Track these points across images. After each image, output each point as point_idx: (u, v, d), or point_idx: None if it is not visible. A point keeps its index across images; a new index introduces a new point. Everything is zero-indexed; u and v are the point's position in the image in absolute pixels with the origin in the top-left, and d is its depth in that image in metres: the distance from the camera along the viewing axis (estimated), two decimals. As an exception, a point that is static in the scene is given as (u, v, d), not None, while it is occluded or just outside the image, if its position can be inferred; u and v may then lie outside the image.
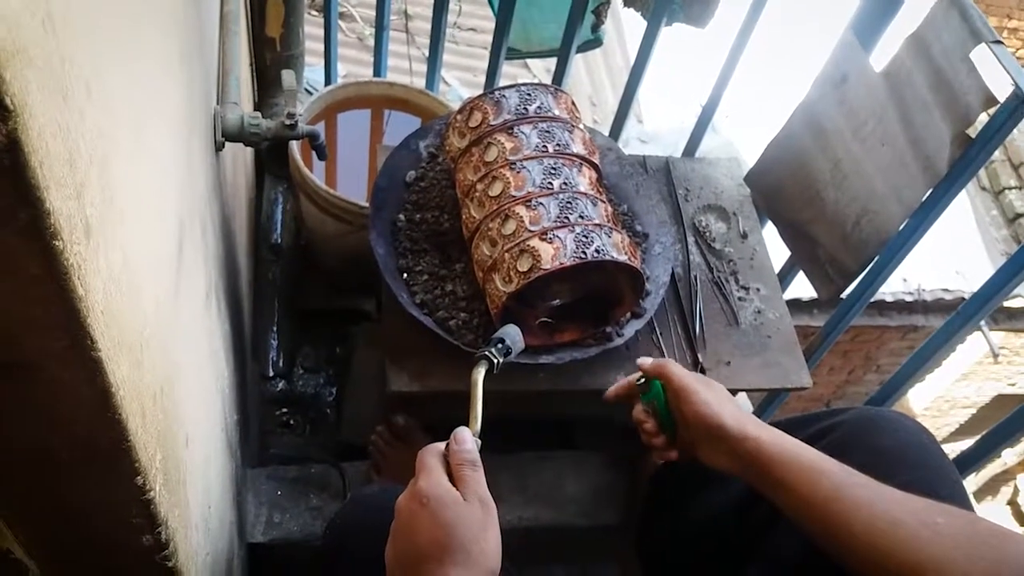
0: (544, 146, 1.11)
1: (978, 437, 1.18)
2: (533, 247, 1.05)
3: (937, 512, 0.70)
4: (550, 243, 1.04)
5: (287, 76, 0.98)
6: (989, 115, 1.03)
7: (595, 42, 1.58)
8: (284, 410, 1.51)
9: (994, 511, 6.24)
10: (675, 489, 1.16)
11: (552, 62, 1.52)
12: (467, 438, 0.72)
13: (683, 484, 1.15)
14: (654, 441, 0.97)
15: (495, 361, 0.88)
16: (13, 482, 0.48)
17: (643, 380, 0.99)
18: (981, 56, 1.02)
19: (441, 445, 0.73)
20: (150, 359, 0.52)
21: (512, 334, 0.93)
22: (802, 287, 1.54)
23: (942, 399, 4.99)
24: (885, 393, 1.32)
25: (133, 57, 0.52)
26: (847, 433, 0.96)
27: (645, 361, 0.98)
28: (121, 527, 0.53)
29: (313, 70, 2.06)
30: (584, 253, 1.04)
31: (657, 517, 1.16)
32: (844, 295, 1.32)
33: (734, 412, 0.86)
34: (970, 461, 1.15)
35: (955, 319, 1.13)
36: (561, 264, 1.03)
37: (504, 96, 1.13)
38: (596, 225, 1.07)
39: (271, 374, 1.51)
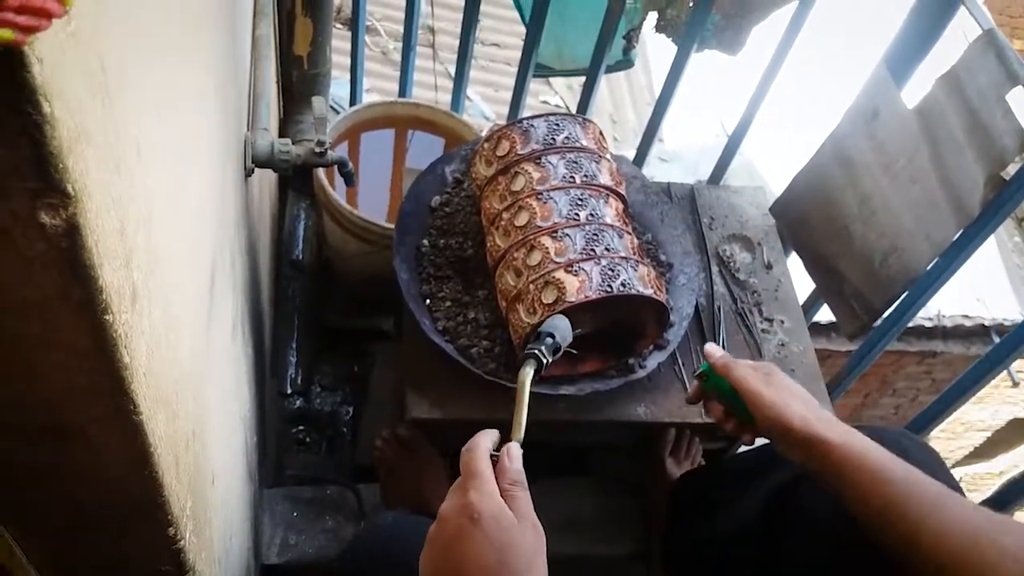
0: (571, 177, 1.11)
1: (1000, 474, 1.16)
2: (558, 279, 1.04)
3: (1004, 529, 0.69)
4: (575, 275, 1.04)
5: (318, 103, 0.98)
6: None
7: (626, 63, 1.58)
8: (301, 428, 1.50)
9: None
10: (698, 498, 1.15)
11: (574, 79, 1.52)
12: (518, 456, 0.66)
13: (706, 493, 1.14)
14: (725, 426, 0.93)
15: (544, 361, 0.81)
16: (49, 533, 0.48)
17: (700, 372, 0.95)
18: (1018, 98, 1.01)
19: (488, 444, 0.66)
20: (184, 407, 0.52)
21: (562, 328, 0.85)
22: (820, 310, 1.52)
23: (957, 421, 4.94)
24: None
25: (178, 102, 0.52)
26: None
27: (712, 353, 0.94)
28: (151, 575, 0.53)
29: (337, 83, 2.06)
30: (610, 287, 1.03)
31: (683, 528, 1.15)
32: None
33: (800, 412, 0.82)
34: (997, 506, 1.13)
35: (983, 363, 1.12)
36: (587, 297, 1.03)
37: (532, 126, 1.13)
38: (622, 258, 1.07)
39: (289, 391, 1.51)
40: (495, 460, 0.66)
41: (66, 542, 0.48)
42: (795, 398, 0.85)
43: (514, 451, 0.66)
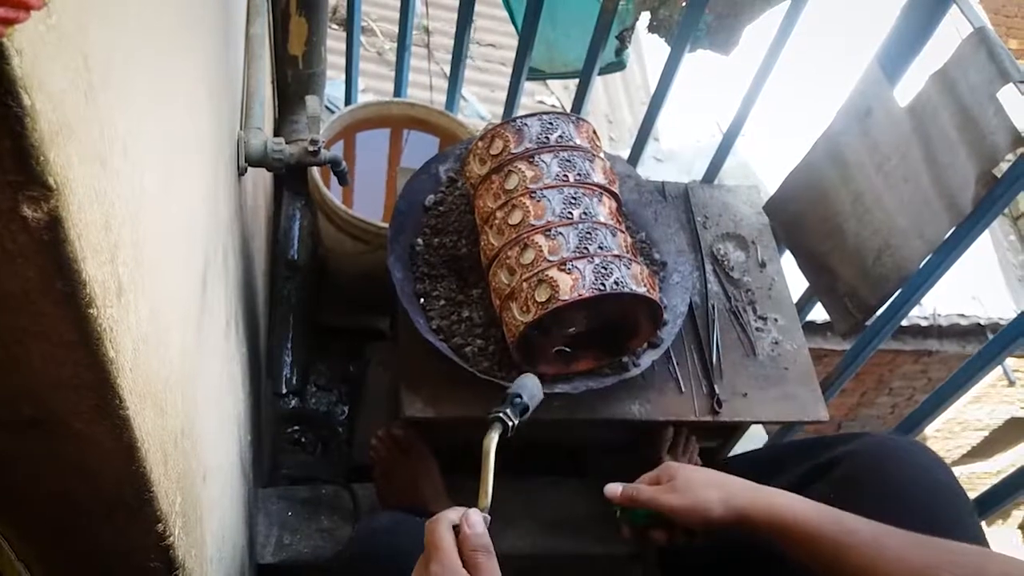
0: (564, 175, 1.11)
1: (1001, 475, 1.16)
2: (552, 277, 1.04)
3: (945, 567, 0.69)
4: (569, 274, 1.04)
5: (311, 102, 0.98)
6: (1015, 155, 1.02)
7: (618, 65, 1.58)
8: (296, 427, 1.50)
9: (1005, 534, 6.17)
10: None
11: (571, 80, 1.52)
12: (478, 522, 0.66)
13: None
14: (671, 543, 0.91)
15: (510, 423, 0.80)
16: (37, 528, 0.48)
17: (617, 515, 0.93)
18: (1009, 96, 1.01)
19: (453, 516, 0.68)
20: (172, 403, 0.52)
21: (530, 387, 0.85)
22: (815, 309, 1.52)
23: (954, 421, 4.95)
24: (902, 431, 1.31)
25: (167, 100, 0.52)
26: (857, 467, 0.96)
27: (613, 493, 0.91)
28: (139, 571, 0.53)
29: (332, 84, 2.06)
30: (603, 285, 1.04)
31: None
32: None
33: (716, 499, 0.83)
34: (991, 503, 1.13)
35: (975, 360, 1.12)
36: (580, 295, 1.03)
37: (526, 124, 1.13)
38: (615, 256, 1.07)
39: (284, 391, 1.51)
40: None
41: (54, 537, 0.48)
42: (705, 488, 0.85)
43: (473, 517, 0.66)
